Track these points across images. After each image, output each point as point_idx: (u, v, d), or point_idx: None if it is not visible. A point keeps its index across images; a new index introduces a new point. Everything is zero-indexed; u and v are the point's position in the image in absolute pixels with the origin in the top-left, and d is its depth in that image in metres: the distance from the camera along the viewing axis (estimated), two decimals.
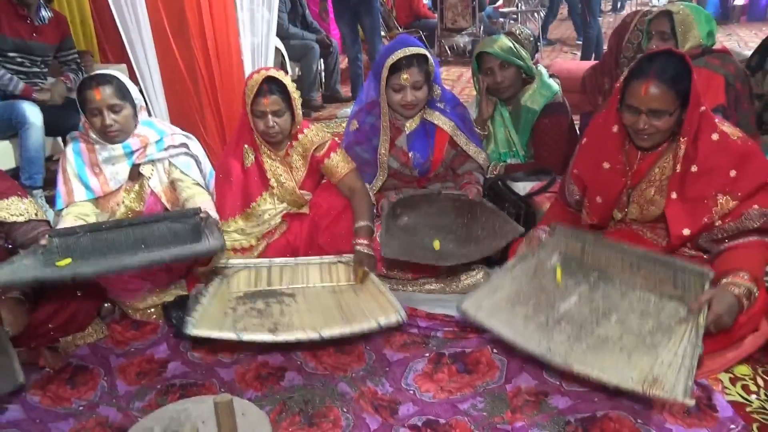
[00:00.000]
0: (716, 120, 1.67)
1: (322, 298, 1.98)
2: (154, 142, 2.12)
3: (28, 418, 1.67)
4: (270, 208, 2.18)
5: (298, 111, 2.11)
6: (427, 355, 1.82)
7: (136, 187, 2.15)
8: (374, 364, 1.79)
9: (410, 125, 2.26)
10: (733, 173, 1.63)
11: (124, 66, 3.17)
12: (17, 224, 1.85)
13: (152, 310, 2.10)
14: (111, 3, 2.55)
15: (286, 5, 5.09)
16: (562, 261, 1.85)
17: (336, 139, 2.28)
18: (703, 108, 1.65)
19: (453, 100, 2.33)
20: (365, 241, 2.03)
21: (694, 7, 2.36)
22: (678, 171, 1.66)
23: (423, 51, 2.12)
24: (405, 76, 2.10)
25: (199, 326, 1.68)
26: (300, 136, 2.16)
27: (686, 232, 1.65)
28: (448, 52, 7.15)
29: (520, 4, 10.60)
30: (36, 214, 1.89)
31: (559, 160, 2.39)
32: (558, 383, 1.65)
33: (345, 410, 1.61)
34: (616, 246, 1.77)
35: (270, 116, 2.05)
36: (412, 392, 1.67)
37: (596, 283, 1.76)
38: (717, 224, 1.64)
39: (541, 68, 2.55)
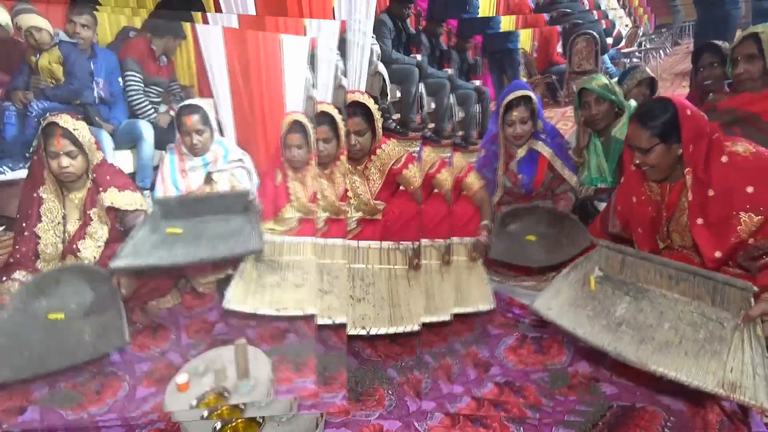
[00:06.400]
0: (728, 141, 1.71)
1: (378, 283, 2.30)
2: (222, 156, 2.72)
3: (122, 360, 2.11)
4: (291, 217, 2.57)
5: (379, 130, 2.49)
6: (515, 334, 2.19)
7: (208, 189, 2.72)
8: (479, 335, 2.21)
9: (520, 152, 2.71)
10: (750, 189, 1.63)
11: (211, 100, 3.93)
12: (128, 212, 2.36)
13: (211, 284, 2.57)
14: (204, 52, 3.24)
15: (392, 32, 5.69)
16: (602, 272, 2.00)
17: (413, 153, 2.62)
18: (716, 135, 1.71)
19: (553, 131, 2.74)
20: (484, 233, 2.47)
21: None
22: (691, 199, 1.72)
23: (529, 93, 2.57)
24: (515, 113, 2.57)
25: (232, 302, 2.05)
26: (378, 151, 2.54)
27: (718, 254, 1.67)
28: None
29: (644, 44, 10.41)
30: (141, 205, 2.42)
31: None
32: (609, 374, 1.88)
33: (390, 392, 1.88)
34: (656, 259, 1.80)
35: (353, 135, 2.45)
36: (501, 359, 2.05)
37: (638, 295, 1.83)
38: (750, 242, 1.64)
39: (633, 102, 2.78)
